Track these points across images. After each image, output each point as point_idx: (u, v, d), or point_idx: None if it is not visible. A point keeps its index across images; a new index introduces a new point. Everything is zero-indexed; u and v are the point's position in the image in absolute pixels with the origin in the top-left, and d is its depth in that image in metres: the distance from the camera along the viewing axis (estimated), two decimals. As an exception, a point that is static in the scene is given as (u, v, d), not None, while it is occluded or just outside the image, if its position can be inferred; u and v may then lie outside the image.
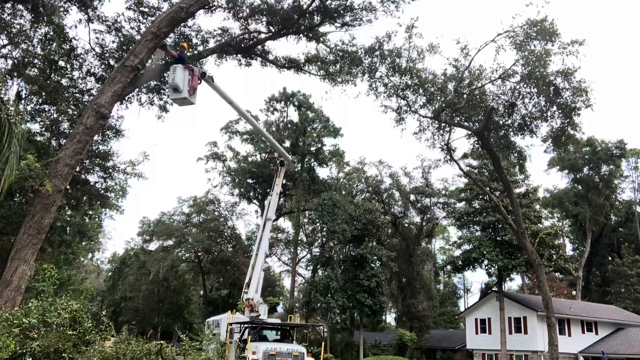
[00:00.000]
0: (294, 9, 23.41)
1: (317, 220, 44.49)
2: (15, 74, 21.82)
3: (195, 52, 23.04)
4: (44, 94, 22.50)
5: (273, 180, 28.28)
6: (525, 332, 36.68)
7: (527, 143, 41.87)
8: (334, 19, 24.32)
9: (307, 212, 51.45)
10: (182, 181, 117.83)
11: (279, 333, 22.99)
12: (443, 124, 27.11)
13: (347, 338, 48.10)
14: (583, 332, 38.08)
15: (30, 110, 22.90)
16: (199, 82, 16.67)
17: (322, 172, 55.27)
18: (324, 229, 42.84)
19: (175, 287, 57.32)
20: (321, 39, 25.11)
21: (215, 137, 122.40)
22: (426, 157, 55.86)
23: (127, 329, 12.13)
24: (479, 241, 37.72)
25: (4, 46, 21.84)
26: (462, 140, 72.57)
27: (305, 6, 23.55)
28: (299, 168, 47.08)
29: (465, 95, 24.93)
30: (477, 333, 40.64)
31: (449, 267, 41.51)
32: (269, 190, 47.52)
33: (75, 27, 21.79)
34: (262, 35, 24.68)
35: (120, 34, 22.09)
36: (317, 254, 45.56)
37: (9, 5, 20.48)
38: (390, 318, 74.99)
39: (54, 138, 24.53)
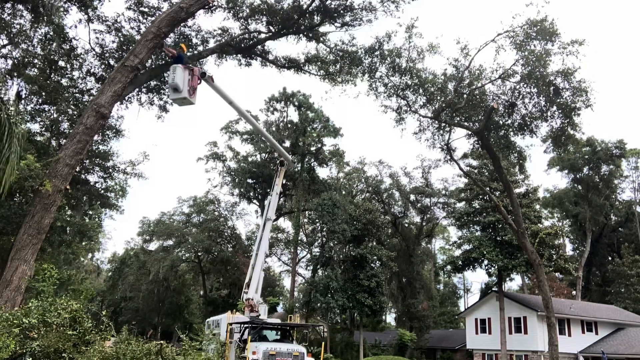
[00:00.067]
0: (294, 9, 23.42)
1: (317, 220, 44.49)
2: (15, 74, 21.83)
3: (195, 52, 23.05)
4: (44, 94, 22.52)
5: (273, 180, 28.26)
6: (525, 332, 36.68)
7: (527, 143, 41.98)
8: (334, 19, 24.33)
9: (307, 212, 51.43)
10: (182, 181, 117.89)
11: (279, 333, 22.99)
12: (443, 124, 27.10)
13: (347, 338, 48.10)
14: (583, 332, 38.08)
15: (30, 110, 22.92)
16: (198, 82, 16.67)
17: (322, 172, 55.40)
18: (324, 229, 42.84)
19: (175, 287, 57.34)
20: (321, 39, 25.13)
21: (215, 137, 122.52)
22: (426, 157, 55.97)
23: (127, 329, 12.14)
24: (479, 241, 37.73)
25: (4, 46, 21.85)
26: (462, 140, 72.67)
27: (305, 6, 23.55)
28: (299, 168, 47.08)
29: (465, 95, 24.92)
30: (477, 333, 40.65)
31: (449, 267, 41.50)
32: (269, 190, 47.51)
33: (75, 27, 21.84)
34: (262, 35, 24.69)
35: (120, 34, 22.10)
36: (317, 254, 45.54)
37: (9, 5, 20.49)
38: (390, 318, 75.09)
39: (54, 138, 24.54)
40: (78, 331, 10.83)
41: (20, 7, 20.61)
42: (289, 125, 50.11)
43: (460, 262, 39.54)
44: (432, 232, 60.97)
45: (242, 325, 21.55)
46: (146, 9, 22.02)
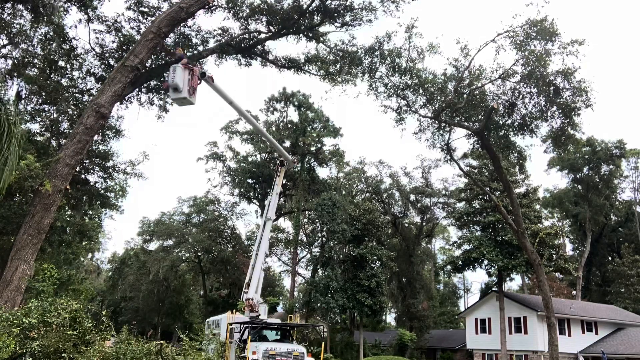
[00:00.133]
0: (294, 9, 23.42)
1: (317, 220, 44.49)
2: (15, 74, 21.83)
3: (195, 52, 23.05)
4: (44, 94, 22.51)
5: (273, 180, 28.25)
6: (525, 332, 36.68)
7: (527, 143, 41.84)
8: (334, 18, 24.33)
9: (307, 212, 51.43)
10: (182, 181, 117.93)
11: (279, 333, 22.98)
12: (443, 124, 27.08)
13: (347, 338, 48.10)
14: (583, 332, 38.08)
15: (30, 110, 22.92)
16: (198, 82, 16.65)
17: (322, 172, 55.38)
18: (324, 229, 42.84)
19: (175, 287, 57.35)
20: (321, 38, 25.13)
21: (215, 137, 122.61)
22: (426, 157, 55.93)
23: (127, 329, 12.14)
24: (479, 241, 37.73)
25: (4, 46, 21.85)
26: (462, 140, 72.68)
27: (305, 6, 23.55)
28: (299, 168, 47.08)
29: (465, 95, 24.90)
30: (477, 333, 40.65)
31: (449, 267, 41.51)
32: (269, 190, 47.49)
33: (75, 27, 21.85)
34: (262, 35, 24.69)
35: (120, 34, 22.10)
36: (317, 254, 45.55)
37: (9, 5, 20.49)
38: (390, 318, 75.10)
39: (54, 138, 24.54)
40: (78, 331, 10.83)
41: (20, 7, 20.61)
42: (289, 125, 50.11)
43: (460, 262, 39.54)
44: (432, 232, 60.97)
45: (242, 325, 21.55)
46: (146, 9, 22.03)
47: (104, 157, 25.45)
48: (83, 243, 36.44)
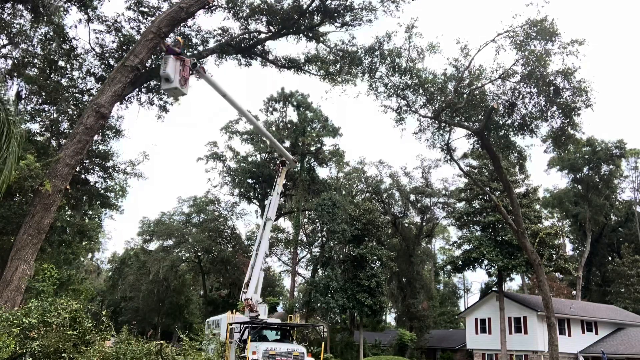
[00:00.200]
0: (294, 9, 23.41)
1: (317, 220, 44.49)
2: (15, 74, 21.83)
3: (195, 52, 23.04)
4: (44, 94, 22.51)
5: (274, 180, 28.21)
6: (525, 332, 36.68)
7: (527, 143, 41.87)
8: (334, 18, 24.32)
9: (307, 212, 51.44)
10: (182, 181, 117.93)
11: (279, 333, 22.98)
12: (443, 124, 27.08)
13: (347, 338, 48.10)
14: (583, 332, 38.08)
15: (30, 110, 22.92)
16: (190, 72, 16.75)
17: (322, 172, 55.34)
18: (324, 229, 42.84)
19: (175, 287, 57.35)
20: (321, 38, 25.12)
21: (215, 137, 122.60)
22: (426, 157, 55.88)
23: (127, 329, 12.14)
24: (479, 241, 37.73)
25: (4, 46, 21.85)
26: (462, 140, 72.68)
27: (305, 6, 23.54)
28: (299, 168, 47.09)
29: (465, 95, 24.90)
30: (477, 333, 40.65)
31: (449, 267, 41.51)
32: (269, 190, 47.51)
33: (75, 27, 21.83)
34: (262, 35, 24.68)
35: (120, 34, 22.09)
36: (317, 254, 45.55)
37: (9, 5, 20.49)
38: (390, 318, 75.10)
39: (54, 138, 24.54)
40: (78, 331, 10.83)
41: (20, 7, 20.61)
42: (289, 125, 50.12)
43: (460, 262, 39.54)
44: (432, 232, 60.97)
45: (242, 325, 21.55)
46: (146, 9, 22.02)
47: (104, 157, 25.45)
48: (83, 243, 36.45)
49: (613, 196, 59.58)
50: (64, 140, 20.16)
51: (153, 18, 20.62)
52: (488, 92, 25.14)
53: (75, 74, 23.11)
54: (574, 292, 56.55)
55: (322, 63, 26.10)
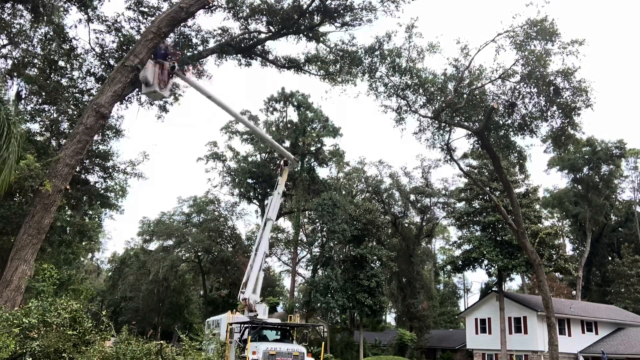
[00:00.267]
0: (294, 9, 23.40)
1: (317, 220, 44.48)
2: (15, 74, 21.82)
3: (195, 52, 23.04)
4: (44, 94, 22.50)
5: (274, 180, 28.17)
6: (525, 332, 36.68)
7: (527, 143, 41.82)
8: (334, 18, 24.31)
9: (307, 212, 51.44)
10: (182, 181, 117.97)
11: (279, 333, 22.99)
12: (443, 124, 27.08)
13: (347, 338, 48.10)
14: (583, 332, 38.08)
15: (30, 110, 22.90)
16: (169, 75, 16.85)
17: (322, 172, 55.35)
18: (324, 229, 42.84)
19: (175, 287, 57.34)
20: (321, 38, 25.11)
21: (215, 137, 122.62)
22: (426, 157, 55.83)
23: (127, 329, 12.14)
24: (479, 241, 37.73)
25: (4, 46, 21.85)
26: (462, 140, 72.67)
27: (305, 6, 23.54)
28: (299, 168, 47.11)
29: (465, 95, 24.90)
30: (477, 333, 40.65)
31: (449, 267, 41.51)
32: (269, 190, 47.55)
33: (75, 27, 21.81)
34: (262, 35, 24.67)
35: (120, 34, 22.08)
36: (317, 254, 45.55)
37: (9, 5, 20.48)
38: (390, 318, 75.10)
39: (54, 138, 24.52)
40: (78, 331, 10.83)
41: (20, 7, 20.60)
42: (289, 125, 50.12)
43: (460, 262, 39.54)
44: (432, 232, 60.97)
45: (242, 325, 21.56)
46: (146, 9, 22.01)
47: (104, 157, 25.43)
48: (83, 243, 36.45)
49: (613, 196, 59.59)
50: (64, 140, 20.15)
51: (153, 18, 20.61)
52: (488, 92, 25.15)
53: (75, 74, 23.10)
54: (574, 292, 56.55)
55: (322, 63, 26.09)
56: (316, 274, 45.34)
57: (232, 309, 24.51)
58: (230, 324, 22.13)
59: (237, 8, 23.49)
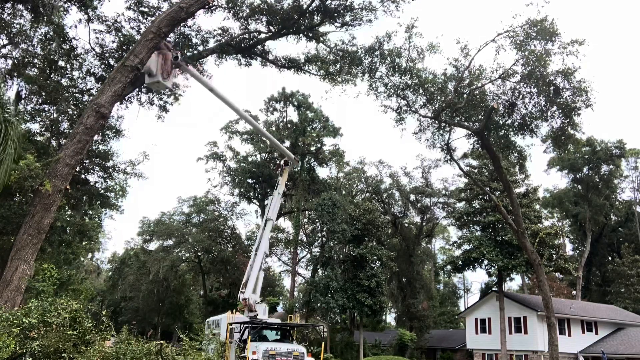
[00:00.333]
0: (294, 9, 23.40)
1: (317, 220, 44.48)
2: (15, 74, 21.80)
3: (195, 52, 23.04)
4: (44, 94, 22.48)
5: (274, 180, 28.18)
6: (525, 332, 36.69)
7: (527, 143, 41.75)
8: (334, 18, 24.31)
9: (307, 212, 51.44)
10: (182, 181, 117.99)
11: (279, 333, 22.99)
12: (443, 124, 27.08)
13: (347, 338, 48.10)
14: (583, 332, 38.08)
15: (30, 110, 22.89)
16: (172, 66, 16.88)
17: (322, 172, 55.38)
18: (324, 229, 42.84)
19: (175, 287, 57.34)
20: (321, 38, 25.11)
21: (215, 137, 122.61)
22: (426, 157, 55.83)
23: (127, 329, 12.13)
24: (479, 241, 37.73)
25: (4, 46, 21.84)
26: (462, 140, 72.68)
27: (305, 6, 23.54)
28: (299, 168, 47.10)
29: (465, 95, 24.89)
30: (477, 333, 40.65)
31: (449, 267, 41.52)
32: (269, 190, 47.54)
33: (75, 27, 21.80)
34: (262, 35, 24.67)
35: (120, 34, 22.07)
36: (317, 254, 45.55)
37: (9, 5, 20.48)
38: (390, 318, 75.10)
39: (54, 138, 24.51)
40: (78, 331, 10.82)
41: (20, 7, 20.59)
42: (289, 125, 50.12)
43: (460, 262, 39.55)
44: (432, 232, 60.97)
45: (242, 325, 21.56)
46: (146, 9, 22.00)
47: (104, 157, 25.42)
48: (83, 243, 36.43)
49: (613, 196, 59.61)
50: (64, 140, 20.13)
51: (153, 18, 20.61)
52: (488, 92, 25.14)
53: (75, 74, 23.09)
54: (574, 292, 56.55)
55: (322, 63, 26.09)
56: (316, 274, 45.34)
57: (232, 309, 24.51)
58: (230, 324, 22.13)
59: (237, 8, 23.49)
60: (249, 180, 50.87)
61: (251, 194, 52.50)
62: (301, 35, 24.72)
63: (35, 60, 22.47)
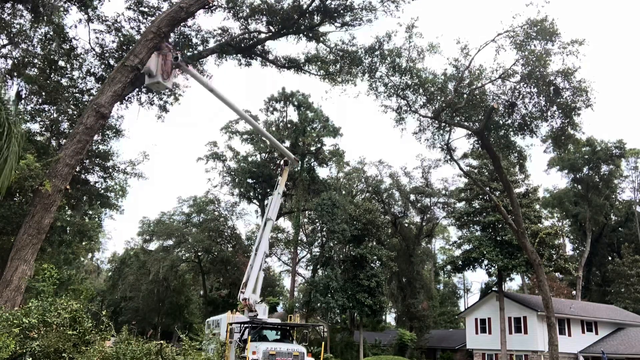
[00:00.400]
0: (294, 9, 23.40)
1: (317, 220, 44.47)
2: (15, 74, 21.81)
3: (195, 52, 23.04)
4: (44, 94, 22.49)
5: (274, 180, 28.18)
6: (525, 332, 36.68)
7: (527, 143, 41.72)
8: (334, 18, 24.31)
9: (307, 212, 51.44)
10: (182, 181, 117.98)
11: (279, 333, 22.99)
12: (443, 124, 27.08)
13: (347, 338, 48.10)
14: (583, 332, 38.08)
15: (30, 110, 22.90)
16: (172, 66, 16.90)
17: (322, 172, 55.39)
18: (324, 229, 42.83)
19: (175, 287, 57.33)
20: (321, 38, 25.11)
21: (215, 137, 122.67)
22: (426, 157, 55.83)
23: (127, 329, 12.13)
24: (479, 241, 37.73)
25: (4, 46, 21.84)
26: (462, 140, 72.72)
27: (305, 6, 23.54)
28: (299, 168, 47.10)
29: (465, 95, 24.89)
30: (477, 333, 40.65)
31: (449, 267, 41.51)
32: (269, 190, 47.53)
33: (75, 27, 21.81)
34: (262, 35, 24.68)
35: (120, 34, 22.08)
36: (317, 254, 45.55)
37: (9, 5, 20.47)
38: (390, 318, 75.09)
39: (54, 138, 24.52)
40: (78, 331, 10.82)
41: (20, 7, 20.59)
42: (289, 125, 50.11)
43: (460, 262, 39.54)
44: (432, 232, 60.96)
45: (242, 325, 21.55)
46: (146, 9, 22.01)
47: (104, 157, 25.43)
48: (83, 243, 36.50)
49: (613, 196, 59.62)
50: (64, 140, 20.14)
51: (153, 18, 20.61)
52: (488, 92, 25.14)
53: (75, 74, 23.10)
54: (574, 292, 56.55)
55: (322, 63, 26.09)
56: (316, 274, 45.34)
57: (232, 309, 24.51)
58: (230, 324, 22.13)
59: (237, 8, 23.50)
60: (249, 180, 50.87)
61: (251, 194, 52.50)
62: (301, 35, 24.72)
63: (35, 60, 22.48)
